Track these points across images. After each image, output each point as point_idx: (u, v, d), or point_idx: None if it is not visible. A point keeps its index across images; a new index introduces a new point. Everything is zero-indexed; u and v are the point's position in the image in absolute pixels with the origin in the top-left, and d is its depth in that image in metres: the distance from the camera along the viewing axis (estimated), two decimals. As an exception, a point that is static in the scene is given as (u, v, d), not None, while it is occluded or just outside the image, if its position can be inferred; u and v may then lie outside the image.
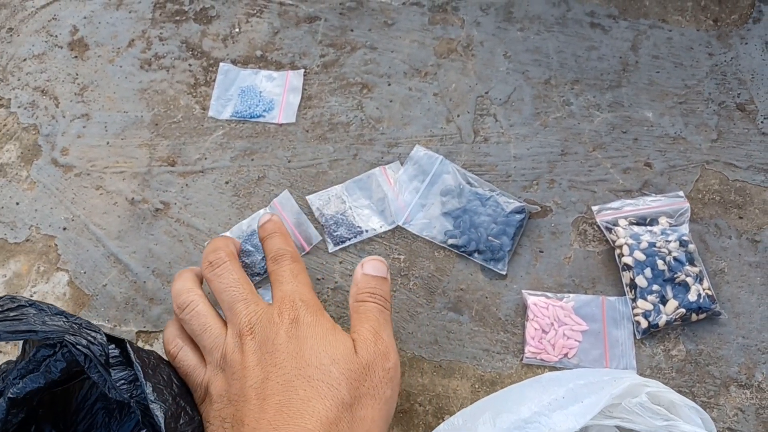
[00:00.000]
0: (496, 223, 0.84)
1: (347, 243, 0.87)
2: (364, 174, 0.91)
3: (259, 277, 0.85)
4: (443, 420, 0.74)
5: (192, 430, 0.66)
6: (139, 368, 0.68)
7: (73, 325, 0.69)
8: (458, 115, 0.94)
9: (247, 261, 0.86)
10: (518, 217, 0.84)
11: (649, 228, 0.80)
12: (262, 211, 0.89)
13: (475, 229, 0.84)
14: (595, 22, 1.02)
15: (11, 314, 0.70)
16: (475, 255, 0.84)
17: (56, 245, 0.90)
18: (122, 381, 0.68)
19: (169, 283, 0.87)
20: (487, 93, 0.96)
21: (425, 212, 0.87)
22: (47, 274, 0.88)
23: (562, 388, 0.66)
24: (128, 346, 0.69)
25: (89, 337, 0.68)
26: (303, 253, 0.87)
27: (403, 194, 0.88)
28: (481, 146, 0.92)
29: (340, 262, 0.86)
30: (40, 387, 0.69)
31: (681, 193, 0.83)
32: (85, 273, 0.87)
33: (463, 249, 0.84)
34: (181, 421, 0.67)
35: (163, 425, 0.63)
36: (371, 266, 0.69)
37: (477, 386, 0.77)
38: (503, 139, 0.92)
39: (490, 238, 0.83)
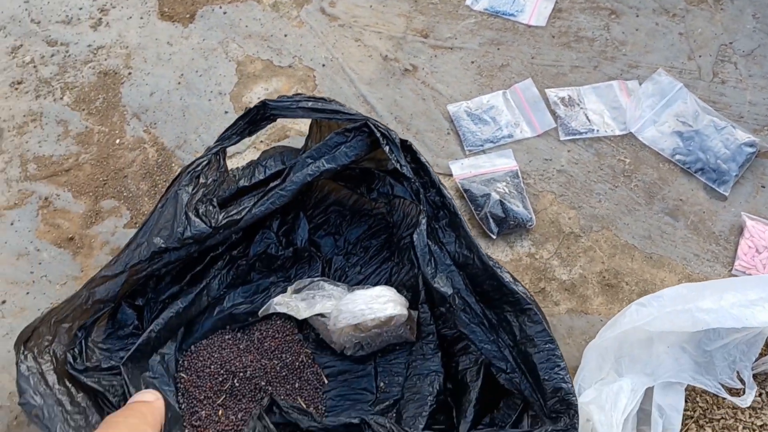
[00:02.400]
0: (728, 150, 0.89)
1: (578, 136, 0.94)
2: (602, 83, 0.98)
3: (492, 144, 0.93)
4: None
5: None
6: (427, 166, 0.77)
7: (368, 120, 0.79)
8: (700, 56, 1.00)
9: (483, 128, 0.94)
10: (749, 150, 0.89)
11: None
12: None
13: (704, 152, 0.90)
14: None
15: (319, 103, 0.80)
16: (700, 174, 0.89)
17: (314, 77, 1.01)
18: (410, 164, 0.78)
19: (409, 130, 0.96)
20: (731, 43, 1.01)
21: (657, 128, 0.93)
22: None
23: None
24: (414, 148, 0.78)
25: (383, 129, 0.78)
26: (535, 135, 0.94)
27: (639, 107, 0.94)
28: (718, 87, 0.97)
29: (568, 151, 0.93)
30: (332, 169, 0.78)
31: None
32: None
33: (689, 166, 0.90)
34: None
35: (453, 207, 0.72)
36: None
37: (684, 282, 0.83)
38: (741, 85, 0.97)
39: (719, 161, 0.88)
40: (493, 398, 0.75)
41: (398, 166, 0.77)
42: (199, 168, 0.78)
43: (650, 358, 0.72)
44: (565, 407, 0.65)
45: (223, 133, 0.80)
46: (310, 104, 0.80)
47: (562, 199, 0.90)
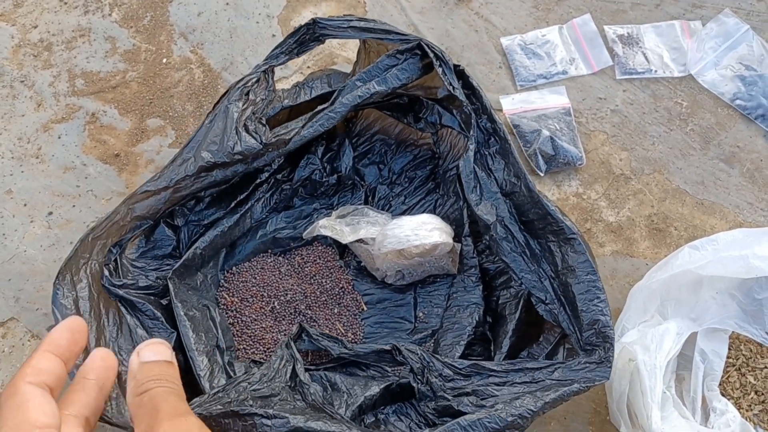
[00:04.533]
0: (794, 96, 0.85)
1: (635, 76, 0.90)
2: (664, 22, 0.94)
3: (545, 80, 0.91)
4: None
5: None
6: (480, 91, 0.75)
7: (422, 40, 0.77)
8: (770, -2, 0.95)
9: (537, 63, 0.91)
10: (816, 97, 0.85)
11: None
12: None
13: (767, 98, 0.86)
14: None
15: (371, 23, 0.78)
16: (761, 120, 0.86)
17: (365, 3, 0.98)
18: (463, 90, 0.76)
19: (459, 62, 0.94)
20: (804, -15, 0.96)
21: (718, 71, 0.89)
22: (356, 21, 0.96)
23: None
24: (466, 73, 0.76)
25: (437, 50, 0.76)
26: (590, 72, 0.91)
27: (701, 49, 0.90)
28: (787, 30, 0.93)
29: (624, 91, 0.90)
30: (382, 91, 0.77)
31: None
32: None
33: (749, 112, 0.86)
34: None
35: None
36: (150, 351, 0.48)
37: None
38: (811, 30, 0.93)
39: (782, 107, 0.85)
40: (534, 332, 0.74)
41: (450, 89, 0.76)
42: (249, 84, 0.77)
43: (697, 303, 0.71)
44: (601, 340, 0.64)
45: (272, 51, 0.79)
46: (361, 24, 0.79)
47: (614, 140, 0.87)
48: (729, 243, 0.69)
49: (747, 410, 0.70)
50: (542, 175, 0.85)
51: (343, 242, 0.76)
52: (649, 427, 0.61)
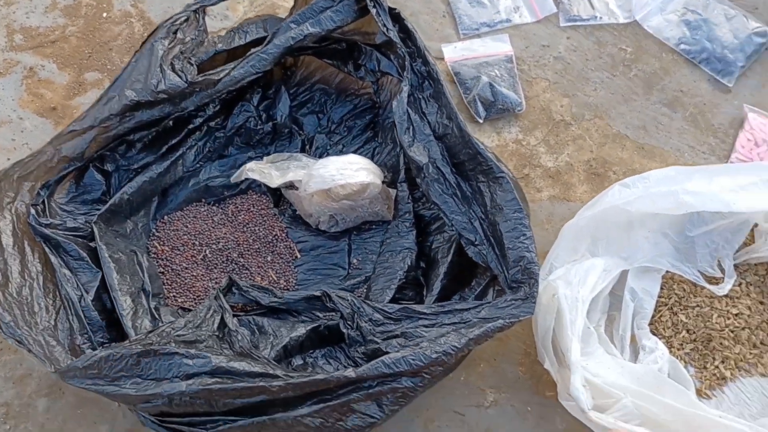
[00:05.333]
0: (736, 39, 0.84)
1: (579, 23, 0.89)
2: (610, -30, 0.92)
3: (488, 28, 0.89)
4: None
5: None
6: (415, 34, 0.74)
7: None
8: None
9: (480, 11, 0.90)
10: (759, 40, 0.84)
11: None
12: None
13: (711, 42, 0.85)
14: None
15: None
16: (705, 64, 0.84)
17: (308, -46, 0.96)
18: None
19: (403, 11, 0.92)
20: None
21: (664, 16, 0.88)
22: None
23: None
24: (402, 16, 0.75)
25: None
26: (534, 20, 0.90)
27: (647, -5, 0.89)
28: (734, -24, 0.91)
29: (568, 38, 0.89)
30: (316, 33, 0.75)
31: None
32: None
33: (693, 56, 0.85)
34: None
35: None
36: None
37: (675, 173, 0.79)
38: (759, -25, 0.91)
39: (725, 51, 0.83)
40: (467, 276, 0.73)
41: (384, 30, 0.74)
42: (177, 23, 0.76)
43: (629, 241, 0.70)
44: (527, 277, 0.63)
45: (204, -10, 0.77)
46: (296, -37, 0.77)
47: (556, 87, 0.86)
48: (660, 180, 0.67)
49: (678, 349, 0.69)
50: (481, 121, 0.84)
51: (272, 186, 0.75)
52: (569, 360, 0.60)
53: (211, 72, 0.75)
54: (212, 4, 0.78)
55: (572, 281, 0.64)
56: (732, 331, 0.69)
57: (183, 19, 0.76)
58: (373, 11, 0.75)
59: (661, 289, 0.71)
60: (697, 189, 0.66)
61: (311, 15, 0.77)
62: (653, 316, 0.71)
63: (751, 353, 0.68)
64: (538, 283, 0.63)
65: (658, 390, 0.59)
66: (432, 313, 0.67)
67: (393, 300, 0.73)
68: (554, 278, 0.65)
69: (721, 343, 0.69)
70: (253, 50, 0.77)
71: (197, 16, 0.77)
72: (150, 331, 0.65)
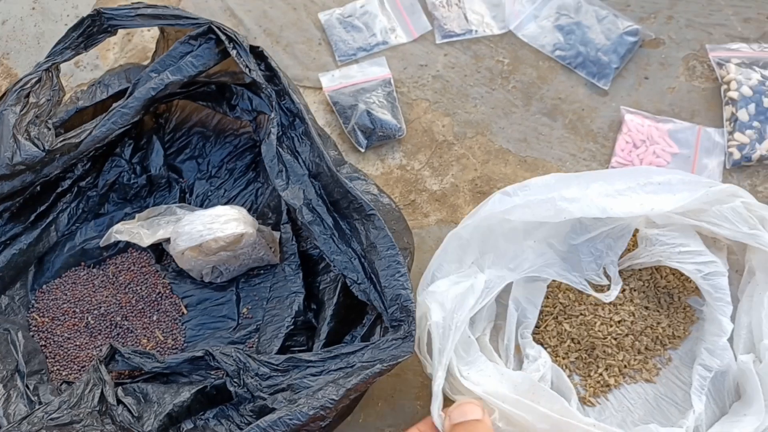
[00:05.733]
0: (608, 40, 0.84)
1: (455, 38, 0.88)
2: (482, -20, 0.91)
3: (365, 52, 0.88)
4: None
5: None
6: (279, 72, 0.72)
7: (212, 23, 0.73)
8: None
9: (356, 35, 0.88)
10: (631, 39, 0.84)
11: (761, 70, 0.80)
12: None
13: (585, 45, 0.84)
14: None
15: (160, 9, 0.74)
16: (580, 69, 0.84)
17: (178, -8, 0.94)
18: (262, 72, 0.72)
19: (278, 43, 0.90)
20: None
21: (538, 23, 0.87)
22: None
23: (662, 177, 0.67)
24: (265, 54, 0.73)
25: (230, 32, 0.72)
26: (411, 40, 0.88)
27: (519, 2, 0.88)
28: (604, -24, 0.91)
29: (445, 55, 0.88)
30: (177, 81, 0.73)
31: (801, 47, 0.82)
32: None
33: (569, 62, 0.85)
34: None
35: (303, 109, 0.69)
36: (459, 413, 0.57)
37: (558, 183, 0.79)
38: (628, -28, 0.91)
39: (599, 54, 0.83)
40: (357, 315, 0.72)
41: (247, 72, 0.72)
42: (28, 86, 0.72)
43: (515, 252, 0.70)
44: (405, 314, 0.62)
45: (54, 47, 0.74)
46: (149, 11, 0.75)
47: (436, 106, 0.85)
48: (540, 188, 0.67)
49: (564, 358, 0.69)
50: (363, 150, 0.82)
51: (143, 245, 0.72)
52: (432, 387, 0.60)
53: (71, 134, 0.72)
54: (65, 60, 0.74)
55: (447, 306, 0.63)
56: (615, 339, 0.69)
57: (34, 80, 0.73)
58: (233, 53, 0.73)
59: (546, 298, 0.71)
60: (574, 195, 0.66)
61: (171, 62, 0.75)
62: (539, 326, 0.71)
63: (635, 359, 0.69)
64: (416, 322, 0.62)
65: (533, 398, 0.59)
66: (319, 360, 0.66)
67: (283, 348, 0.71)
68: (430, 298, 0.64)
69: (604, 351, 0.69)
70: (114, 105, 0.74)
71: (50, 74, 0.74)
72: (23, 418, 0.62)
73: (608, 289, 0.70)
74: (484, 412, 0.56)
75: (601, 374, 0.68)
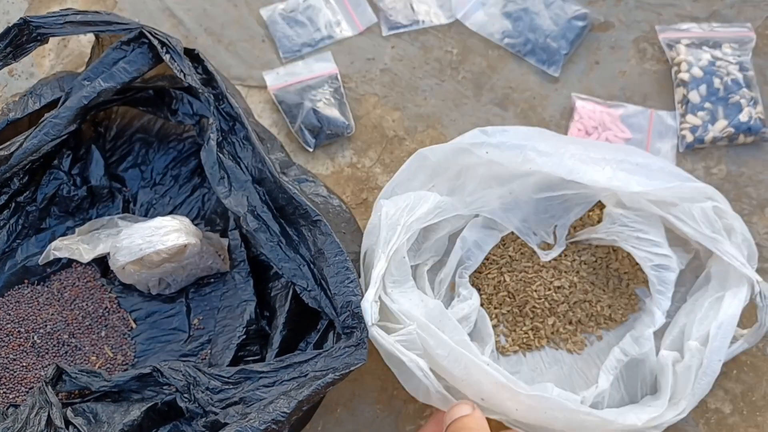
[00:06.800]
0: (557, 26, 0.82)
1: (401, 29, 0.86)
2: (428, -32, 0.89)
3: (311, 48, 0.85)
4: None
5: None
6: (217, 75, 0.70)
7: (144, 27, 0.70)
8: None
9: (300, 31, 0.86)
10: (580, 24, 0.82)
11: (711, 50, 0.79)
12: None
13: (534, 32, 0.83)
14: None
15: (89, 16, 0.71)
16: (530, 56, 0.83)
17: (114, -8, 0.90)
18: (199, 75, 0.70)
19: (220, 42, 0.87)
20: None
21: (485, 10, 0.85)
22: (102, 14, 0.88)
23: (642, 160, 0.66)
24: (202, 56, 0.70)
25: (162, 36, 0.69)
26: (357, 33, 0.86)
27: (466, -9, 0.86)
28: (552, -41, 0.89)
29: (392, 47, 0.86)
30: (110, 88, 0.70)
31: (749, 25, 0.81)
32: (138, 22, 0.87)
33: (518, 49, 0.83)
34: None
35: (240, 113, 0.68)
36: (450, 415, 0.58)
37: (511, 175, 0.77)
38: (576, -45, 0.89)
39: (548, 40, 0.82)
40: (312, 320, 0.70)
41: (182, 77, 0.70)
42: (-50, 105, 0.69)
43: (475, 189, 0.69)
44: (356, 321, 0.61)
45: (-23, 59, 0.71)
46: (79, 18, 0.72)
47: (385, 101, 0.83)
48: (519, 134, 0.67)
49: (496, 307, 0.70)
50: (312, 150, 0.80)
51: (83, 261, 0.70)
52: (370, 275, 0.61)
53: (1, 148, 0.70)
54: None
55: (400, 206, 0.64)
56: (548, 303, 0.69)
57: (-41, 95, 0.70)
58: (167, 57, 0.70)
59: (498, 248, 0.72)
60: (547, 150, 0.66)
61: (104, 69, 0.72)
62: (481, 272, 0.71)
63: (565, 328, 0.69)
64: (368, 329, 0.61)
65: (439, 324, 0.60)
66: (272, 371, 0.64)
67: (236, 359, 0.69)
68: (386, 201, 0.65)
69: (533, 311, 0.69)
70: (46, 115, 0.71)
71: (-24, 88, 0.71)
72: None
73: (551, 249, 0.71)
74: (474, 408, 0.57)
75: (526, 332, 0.69)
